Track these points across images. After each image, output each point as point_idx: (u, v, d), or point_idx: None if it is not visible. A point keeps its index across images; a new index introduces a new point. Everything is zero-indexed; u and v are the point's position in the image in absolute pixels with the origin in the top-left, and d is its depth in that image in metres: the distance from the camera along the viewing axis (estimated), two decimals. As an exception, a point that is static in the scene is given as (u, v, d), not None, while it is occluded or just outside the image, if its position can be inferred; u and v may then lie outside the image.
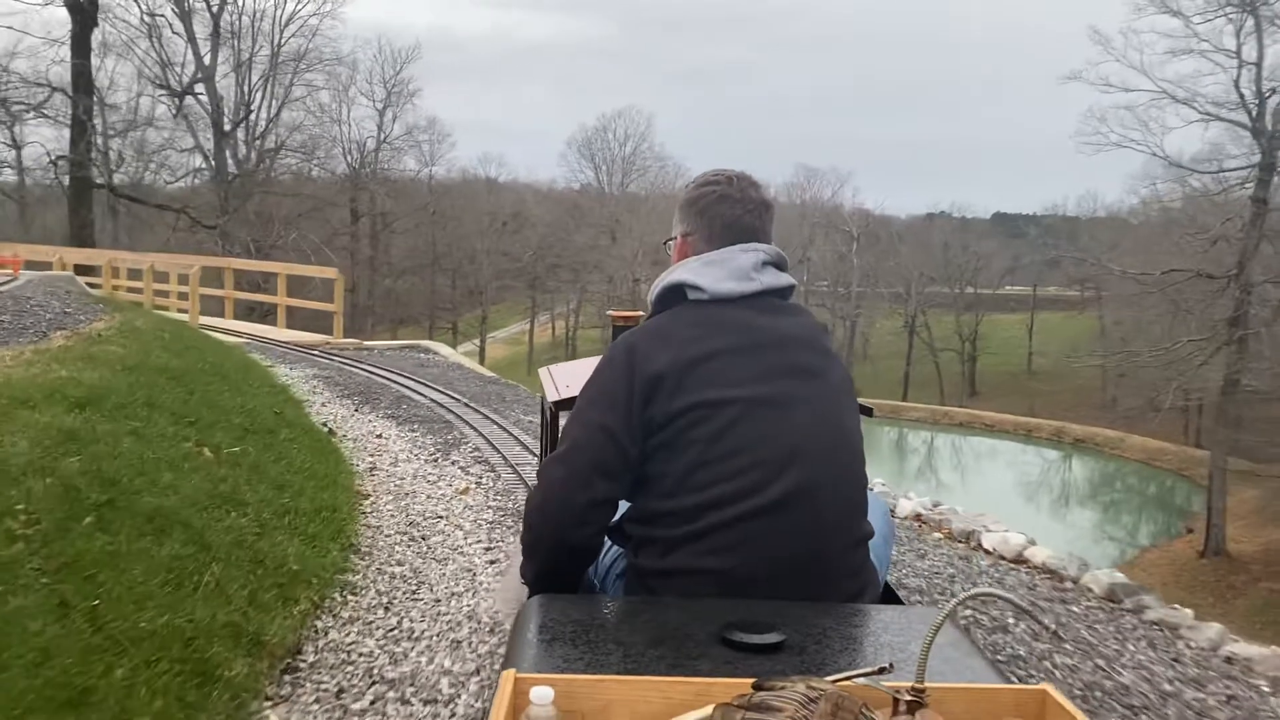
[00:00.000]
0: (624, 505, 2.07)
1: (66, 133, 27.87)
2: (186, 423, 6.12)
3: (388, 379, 12.62)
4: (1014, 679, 2.67)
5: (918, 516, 7.45)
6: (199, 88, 34.88)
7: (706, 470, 1.92)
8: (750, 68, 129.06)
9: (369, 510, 6.39)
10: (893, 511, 7.47)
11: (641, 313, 3.04)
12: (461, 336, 60.07)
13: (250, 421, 6.93)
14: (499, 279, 62.68)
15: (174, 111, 35.18)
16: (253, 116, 42.31)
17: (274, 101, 44.61)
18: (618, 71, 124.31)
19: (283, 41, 42.27)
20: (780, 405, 1.97)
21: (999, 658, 4.49)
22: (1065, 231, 61.37)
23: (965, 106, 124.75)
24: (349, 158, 56.62)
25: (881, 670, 1.33)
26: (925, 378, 59.64)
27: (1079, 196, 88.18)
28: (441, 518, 6.39)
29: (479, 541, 5.90)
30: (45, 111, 28.29)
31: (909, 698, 1.27)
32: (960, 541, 6.90)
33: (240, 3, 38.33)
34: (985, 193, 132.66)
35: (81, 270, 19.99)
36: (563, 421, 2.32)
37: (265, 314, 22.24)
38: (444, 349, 17.10)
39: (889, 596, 2.24)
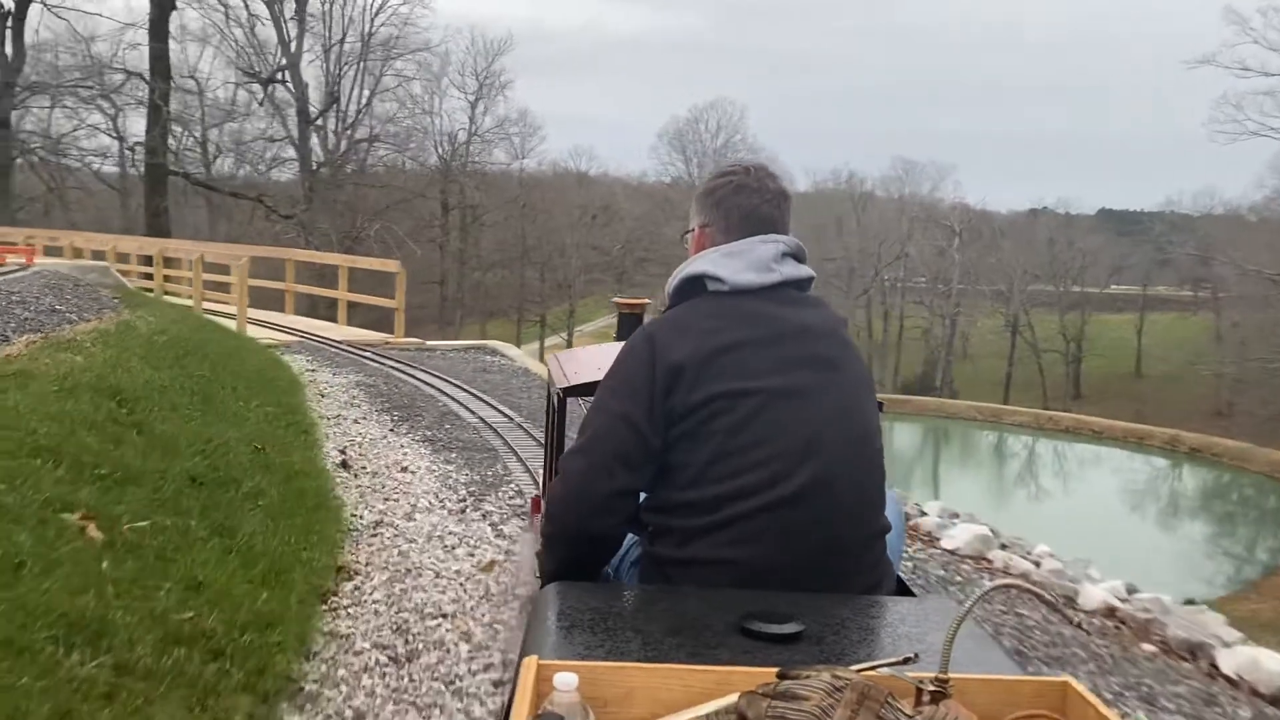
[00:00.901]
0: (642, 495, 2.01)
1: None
2: (92, 477, 4.29)
3: (439, 389, 10.80)
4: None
5: (1110, 612, 5.31)
6: (283, 75, 33.57)
7: (727, 461, 1.89)
8: (844, 58, 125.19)
9: (344, 605, 4.49)
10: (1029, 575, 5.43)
11: (647, 299, 3.38)
12: (549, 330, 58.76)
13: (208, 466, 5.10)
14: (587, 272, 61.20)
15: (259, 100, 33.96)
16: (341, 105, 41.22)
17: (364, 91, 43.56)
18: (709, 64, 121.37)
19: (373, 30, 41.10)
20: (800, 397, 1.93)
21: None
22: (1179, 228, 57.58)
23: (1070, 98, 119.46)
24: (440, 149, 55.58)
25: (906, 660, 1.33)
26: (1027, 379, 56.46)
27: (1195, 192, 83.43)
28: (446, 615, 4.47)
29: (489, 665, 3.96)
30: (117, 97, 27.20)
31: (933, 688, 1.25)
32: (1184, 658, 4.76)
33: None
34: (1091, 188, 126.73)
35: (145, 261, 18.68)
36: (570, 409, 2.76)
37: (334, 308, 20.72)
38: (512, 350, 15.25)
39: (901, 590, 2.14)
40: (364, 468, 7.19)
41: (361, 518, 5.86)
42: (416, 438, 8.34)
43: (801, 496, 1.88)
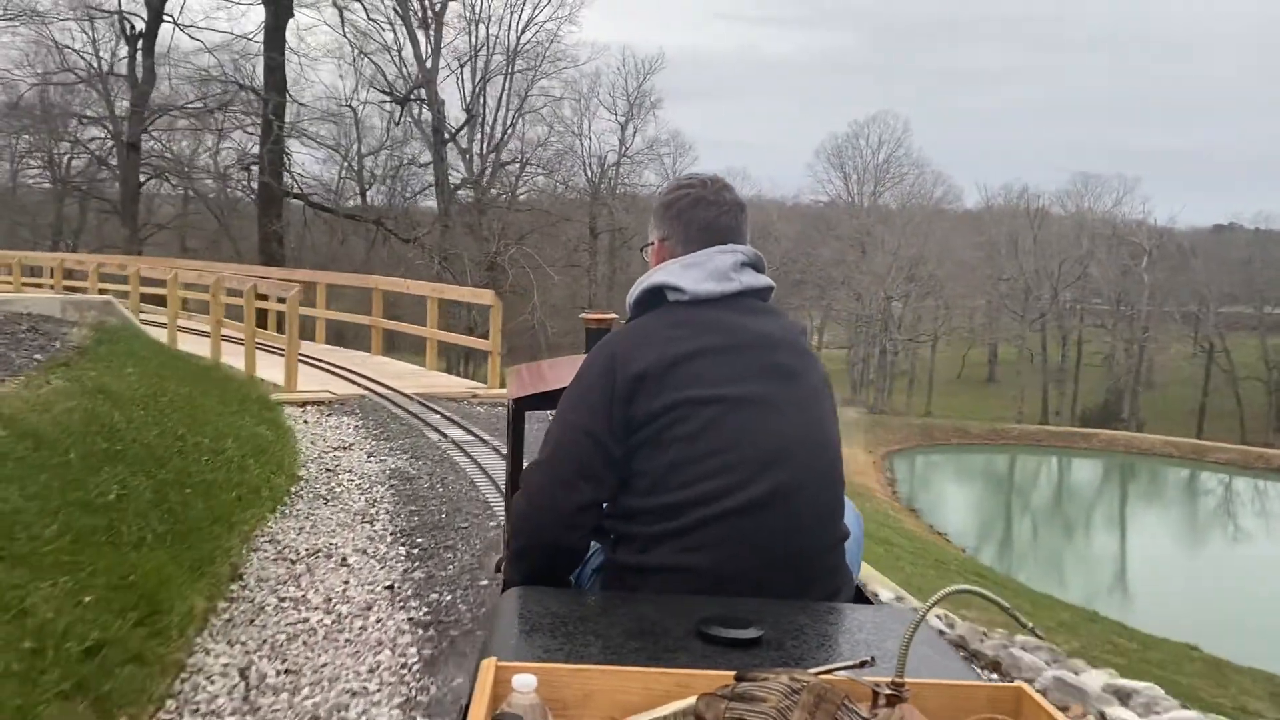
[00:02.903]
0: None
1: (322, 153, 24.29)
2: None
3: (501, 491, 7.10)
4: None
5: None
6: (420, 92, 30.80)
7: (687, 468, 1.83)
8: (1010, 72, 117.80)
9: None
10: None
11: (614, 315, 3.14)
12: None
13: None
14: (740, 296, 57.47)
15: (395, 120, 31.34)
16: (486, 124, 38.49)
17: (509, 112, 40.82)
18: (866, 83, 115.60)
19: (518, 45, 38.26)
20: (761, 405, 1.88)
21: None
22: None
23: (1259, 109, 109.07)
24: (588, 171, 52.66)
25: (863, 664, 1.33)
26: (1221, 409, 49.80)
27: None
28: None
29: None
30: (239, 116, 24.71)
31: (889, 692, 1.25)
32: None
33: (470, 4, 34.35)
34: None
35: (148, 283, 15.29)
36: (526, 421, 2.72)
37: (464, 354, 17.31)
38: None
39: (859, 598, 2.05)
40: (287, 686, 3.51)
41: None
42: (422, 614, 4.61)
43: (762, 503, 1.82)
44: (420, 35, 30.29)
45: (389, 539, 5.80)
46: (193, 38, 26.65)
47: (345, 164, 33.62)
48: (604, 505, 1.92)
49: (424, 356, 13.70)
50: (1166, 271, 52.56)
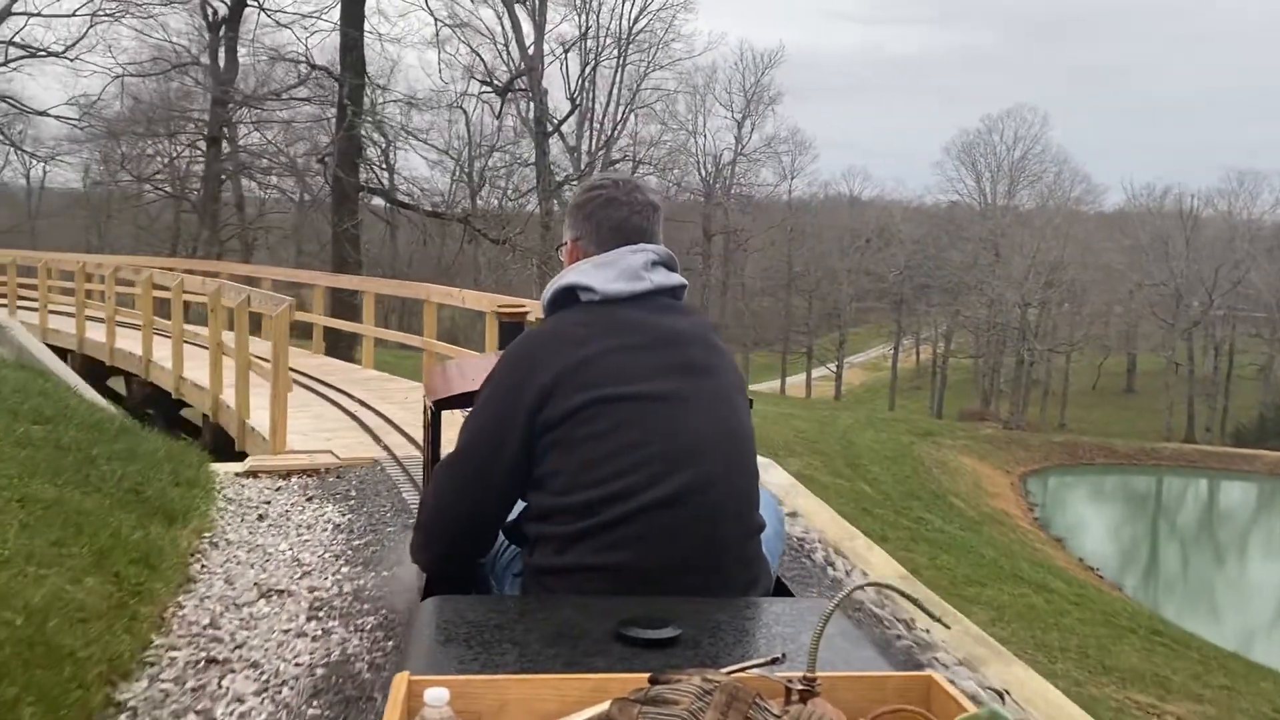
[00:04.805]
0: (520, 504, 1.95)
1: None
2: None
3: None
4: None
5: None
6: (520, 82, 27.49)
7: (602, 466, 1.80)
8: (1150, 66, 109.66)
9: None
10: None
11: (527, 308, 2.97)
12: (816, 360, 51.15)
13: None
14: (859, 300, 53.36)
15: (496, 113, 28.12)
16: (595, 118, 35.22)
17: (619, 106, 37.46)
18: (994, 81, 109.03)
19: (630, 34, 34.85)
20: (674, 400, 1.86)
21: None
22: None
23: None
24: (702, 171, 49.01)
25: (774, 661, 1.32)
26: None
27: None
28: None
29: None
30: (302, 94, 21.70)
31: (801, 687, 1.25)
32: None
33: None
34: None
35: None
36: (444, 420, 2.58)
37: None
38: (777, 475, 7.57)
39: (780, 590, 2.08)
40: None
41: None
42: None
43: (679, 498, 1.80)
44: (522, 16, 26.99)
45: None
46: (278, 23, 23.83)
47: (449, 160, 30.63)
48: (509, 505, 1.92)
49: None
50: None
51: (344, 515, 5.53)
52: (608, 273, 1.92)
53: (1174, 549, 31.45)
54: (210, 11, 24.53)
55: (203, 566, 4.42)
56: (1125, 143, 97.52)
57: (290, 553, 4.85)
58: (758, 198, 51.64)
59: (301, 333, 13.11)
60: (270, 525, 5.27)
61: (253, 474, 6.24)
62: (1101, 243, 47.83)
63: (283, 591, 4.28)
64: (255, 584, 4.33)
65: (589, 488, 1.77)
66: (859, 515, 21.26)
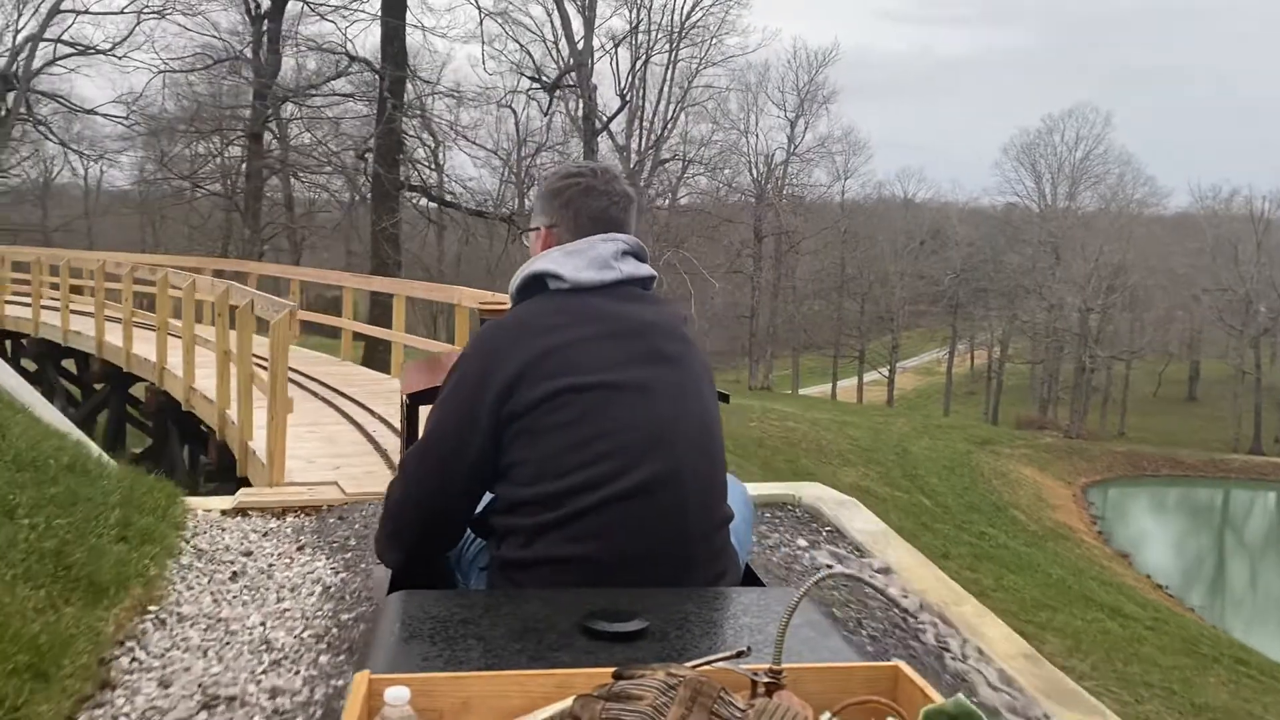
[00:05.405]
0: (488, 497, 1.87)
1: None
2: None
3: None
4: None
5: None
6: (569, 78, 26.49)
7: (569, 456, 1.75)
8: (1209, 68, 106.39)
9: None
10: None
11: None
12: (868, 365, 49.74)
13: None
14: (913, 303, 51.86)
15: (544, 110, 27.15)
16: (645, 116, 34.08)
17: (670, 104, 36.30)
18: (1047, 81, 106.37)
19: (681, 29, 33.67)
20: (642, 390, 1.81)
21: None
22: None
23: None
24: (754, 170, 47.73)
25: (740, 654, 1.30)
26: None
27: None
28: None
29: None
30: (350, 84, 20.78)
31: (766, 679, 1.22)
32: None
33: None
34: None
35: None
36: (421, 415, 2.43)
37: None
38: (834, 507, 6.38)
39: (749, 579, 2.03)
40: None
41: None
42: None
43: (647, 488, 1.75)
44: (571, 11, 25.99)
45: None
46: (322, 16, 23.04)
47: (496, 159, 29.72)
48: (475, 496, 1.86)
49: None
50: None
51: (337, 574, 4.47)
52: (577, 261, 1.86)
53: (1242, 564, 29.81)
54: (253, 5, 23.86)
55: (133, 660, 3.38)
56: (1186, 144, 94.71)
57: (260, 630, 3.80)
58: (810, 199, 50.30)
59: (336, 337, 12.19)
60: (244, 588, 4.22)
61: (241, 512, 5.24)
62: (1166, 246, 45.94)
63: (233, 699, 3.22)
64: (200, 685, 3.29)
65: (556, 478, 1.74)
66: (919, 530, 19.98)
